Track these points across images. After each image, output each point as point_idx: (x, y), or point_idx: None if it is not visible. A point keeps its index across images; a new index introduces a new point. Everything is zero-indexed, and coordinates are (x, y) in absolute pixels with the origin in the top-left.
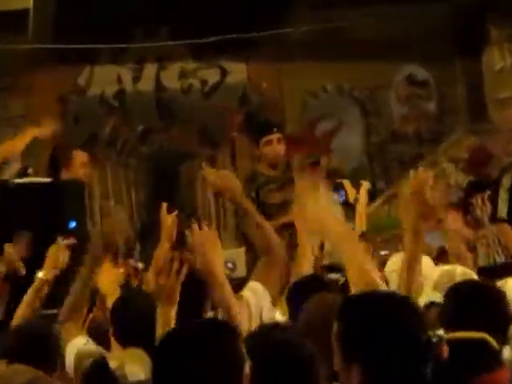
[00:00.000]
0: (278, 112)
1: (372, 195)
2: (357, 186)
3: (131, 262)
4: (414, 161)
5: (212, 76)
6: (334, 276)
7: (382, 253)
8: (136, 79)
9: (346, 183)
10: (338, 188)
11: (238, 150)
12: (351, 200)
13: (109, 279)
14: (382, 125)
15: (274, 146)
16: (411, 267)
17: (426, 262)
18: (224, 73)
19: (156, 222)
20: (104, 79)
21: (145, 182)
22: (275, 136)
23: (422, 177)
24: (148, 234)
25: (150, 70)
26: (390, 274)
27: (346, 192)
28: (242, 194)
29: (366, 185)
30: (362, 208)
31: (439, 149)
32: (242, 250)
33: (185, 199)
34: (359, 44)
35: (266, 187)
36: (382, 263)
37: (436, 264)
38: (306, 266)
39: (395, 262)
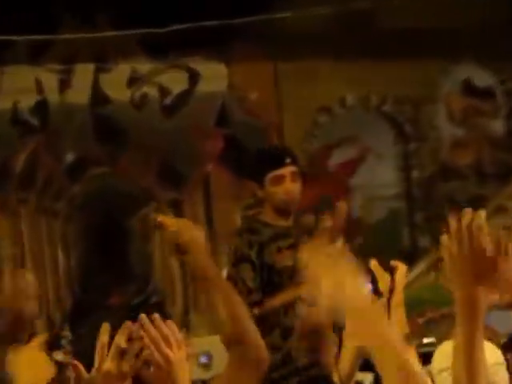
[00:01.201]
0: (273, 135)
1: (412, 257)
2: (384, 260)
3: (57, 354)
4: (473, 205)
5: (177, 82)
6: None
7: (426, 340)
8: (64, 86)
9: (374, 265)
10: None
11: (214, 189)
12: (382, 288)
13: (31, 375)
14: (427, 154)
15: (287, 185)
16: (468, 360)
17: (492, 353)
18: (194, 77)
19: (94, 298)
20: (17, 87)
21: (78, 238)
22: (288, 170)
23: (471, 218)
24: (82, 314)
25: (84, 73)
26: (439, 373)
27: (373, 277)
28: (208, 256)
29: (402, 268)
30: (398, 300)
31: (508, 188)
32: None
33: (137, 265)
34: (391, 36)
35: (274, 244)
36: (426, 357)
37: (506, 358)
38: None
39: (446, 354)
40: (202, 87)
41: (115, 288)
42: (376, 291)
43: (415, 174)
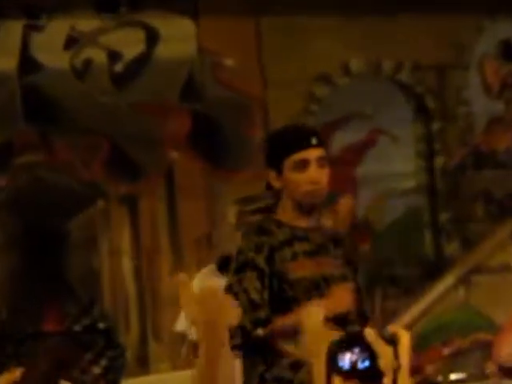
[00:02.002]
0: (255, 112)
1: (436, 268)
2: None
3: None
4: None
5: (130, 44)
6: None
7: (454, 377)
8: None
9: (370, 334)
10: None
11: (179, 183)
12: (383, 366)
13: None
14: (455, 135)
15: (312, 172)
16: None
17: None
18: (152, 38)
19: (23, 323)
20: None
21: (2, 247)
22: (315, 153)
23: None
24: (8, 342)
25: (9, 31)
26: None
27: (372, 353)
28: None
29: (406, 338)
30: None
31: None
32: None
33: (79, 282)
34: None
35: (289, 249)
36: None
37: None
38: None
39: None
40: (163, 51)
41: (50, 310)
42: (375, 371)
43: (440, 161)
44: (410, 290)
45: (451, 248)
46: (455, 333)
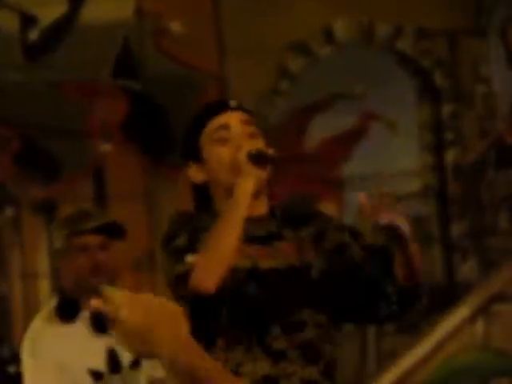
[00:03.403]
0: (210, 92)
1: (448, 296)
2: None
3: None
4: None
5: (47, 4)
6: None
7: None
8: None
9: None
10: None
11: (112, 182)
12: None
13: None
14: (471, 122)
15: (237, 140)
16: None
17: None
18: None
19: None
20: None
21: None
22: (236, 116)
23: None
24: None
25: None
26: None
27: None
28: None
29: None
30: None
31: None
32: None
33: None
34: None
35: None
36: None
37: None
38: None
39: None
40: (91, 13)
41: None
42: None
43: (452, 157)
44: (414, 323)
45: (467, 269)
46: (472, 380)
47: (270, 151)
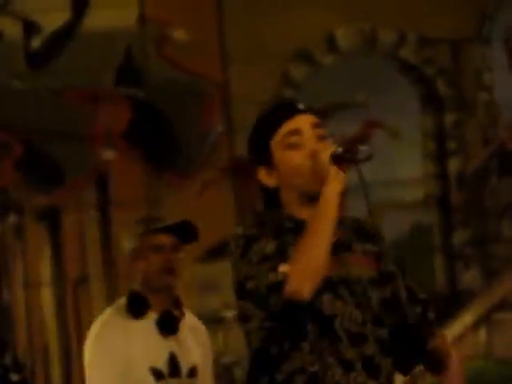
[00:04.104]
0: (214, 100)
1: (450, 304)
2: None
3: None
4: None
5: (51, 12)
6: None
7: None
8: None
9: None
10: None
11: (115, 190)
12: None
13: None
14: (474, 131)
15: (310, 143)
16: None
17: None
18: (80, 3)
19: None
20: None
21: None
22: (307, 120)
23: None
24: None
25: None
26: None
27: None
28: None
29: None
30: None
31: None
32: None
33: None
34: None
35: (295, 237)
36: None
37: None
38: None
39: None
40: (94, 20)
41: None
42: None
43: (455, 165)
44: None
45: (469, 278)
46: None
47: (349, 152)
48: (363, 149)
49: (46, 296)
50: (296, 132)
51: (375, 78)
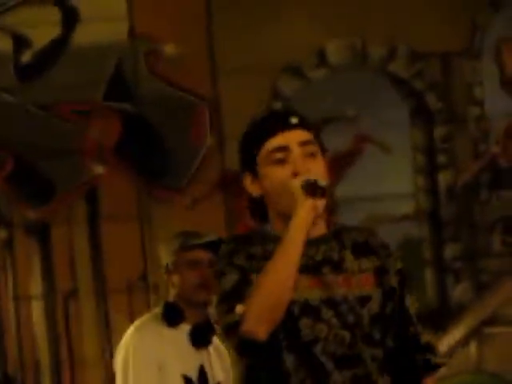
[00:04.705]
0: (203, 114)
1: (441, 320)
2: None
3: None
4: None
5: (41, 26)
6: None
7: None
8: None
9: None
10: None
11: (105, 205)
12: None
13: None
14: (465, 144)
15: (296, 161)
16: None
17: None
18: (70, 18)
19: None
20: None
21: None
22: (296, 136)
23: None
24: None
25: None
26: None
27: None
28: None
29: None
30: None
31: None
32: None
33: None
34: None
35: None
36: None
37: None
38: None
39: None
40: (84, 35)
41: None
42: None
43: (445, 179)
44: None
45: (460, 292)
46: None
47: (324, 182)
48: (322, 184)
49: (37, 310)
50: (283, 149)
51: (365, 92)
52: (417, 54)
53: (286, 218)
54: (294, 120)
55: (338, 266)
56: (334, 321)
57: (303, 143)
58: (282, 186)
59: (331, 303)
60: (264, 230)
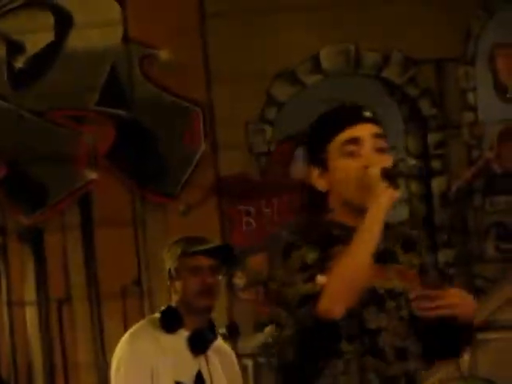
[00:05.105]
0: (197, 119)
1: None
2: None
3: None
4: None
5: (35, 31)
6: None
7: None
8: None
9: None
10: None
11: (99, 210)
12: None
13: None
14: (459, 150)
15: (368, 154)
16: None
17: None
18: (64, 23)
19: None
20: None
21: None
22: (369, 130)
23: None
24: None
25: None
26: None
27: None
28: None
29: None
30: None
31: None
32: None
33: None
34: None
35: (343, 247)
36: None
37: None
38: None
39: None
40: (78, 40)
41: None
42: None
43: (439, 185)
44: None
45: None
46: None
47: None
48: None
49: (30, 315)
50: (356, 141)
51: (359, 98)
52: (410, 60)
53: (353, 207)
54: (368, 113)
55: (394, 258)
56: (395, 312)
57: (376, 135)
58: (355, 176)
59: (393, 294)
60: (324, 218)
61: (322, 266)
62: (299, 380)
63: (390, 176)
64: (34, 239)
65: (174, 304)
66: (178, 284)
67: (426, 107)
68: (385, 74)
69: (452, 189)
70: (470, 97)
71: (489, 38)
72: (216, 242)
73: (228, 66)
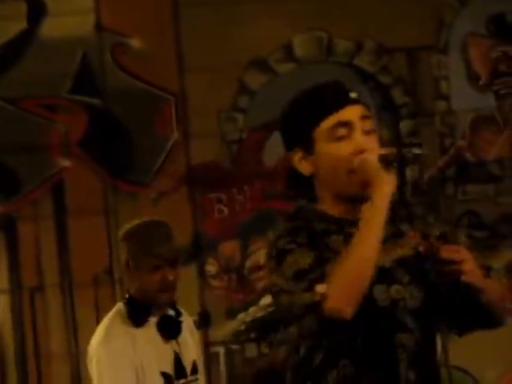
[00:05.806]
0: (169, 108)
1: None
2: None
3: None
4: (506, 227)
5: (7, 19)
6: None
7: None
8: None
9: None
10: None
11: (72, 199)
12: None
13: None
14: (431, 139)
15: (358, 139)
16: None
17: None
18: (36, 11)
19: None
20: None
21: None
22: (357, 111)
23: None
24: None
25: None
26: None
27: None
28: None
29: None
30: None
31: None
32: None
33: None
34: None
35: (339, 236)
36: None
37: None
38: None
39: None
40: (50, 28)
41: None
42: None
43: (411, 174)
44: None
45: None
46: None
47: (394, 151)
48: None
49: (3, 304)
50: (346, 124)
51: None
52: (383, 48)
53: (343, 196)
54: (354, 94)
55: (400, 234)
56: (406, 278)
57: (364, 117)
58: (347, 161)
59: (400, 262)
60: (315, 209)
61: (318, 270)
62: (311, 373)
63: (388, 162)
64: (7, 228)
65: (132, 292)
66: (136, 276)
67: (398, 95)
68: (357, 61)
69: (424, 178)
70: (443, 85)
71: (462, 26)
72: (168, 223)
73: (201, 54)
